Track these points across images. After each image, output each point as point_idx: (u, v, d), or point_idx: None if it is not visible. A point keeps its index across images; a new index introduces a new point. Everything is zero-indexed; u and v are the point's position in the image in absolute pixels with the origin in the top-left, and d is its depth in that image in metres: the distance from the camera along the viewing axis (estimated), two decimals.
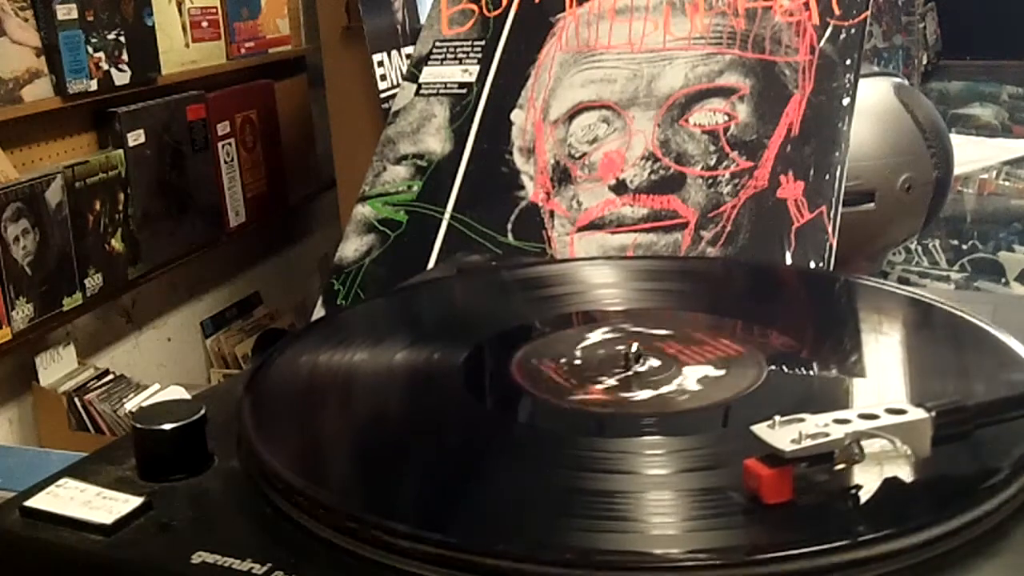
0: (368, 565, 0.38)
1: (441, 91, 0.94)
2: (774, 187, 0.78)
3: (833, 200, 0.75)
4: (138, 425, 0.45)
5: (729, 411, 0.48)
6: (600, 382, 0.51)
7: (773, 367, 0.51)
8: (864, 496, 0.39)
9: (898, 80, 1.03)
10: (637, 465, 0.43)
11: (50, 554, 0.41)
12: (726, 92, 0.82)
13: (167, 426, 0.45)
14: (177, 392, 1.28)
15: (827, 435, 0.38)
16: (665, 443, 0.45)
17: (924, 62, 2.60)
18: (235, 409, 0.48)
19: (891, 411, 0.40)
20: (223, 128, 1.87)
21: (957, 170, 1.06)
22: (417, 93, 0.95)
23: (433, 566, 0.37)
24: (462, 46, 0.95)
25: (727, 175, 0.79)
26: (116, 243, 1.61)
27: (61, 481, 0.44)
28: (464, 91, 0.93)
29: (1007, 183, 1.48)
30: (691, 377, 0.51)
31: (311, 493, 0.41)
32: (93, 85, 1.54)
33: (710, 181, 0.79)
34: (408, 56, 1.46)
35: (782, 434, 0.39)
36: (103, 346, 1.70)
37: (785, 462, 0.38)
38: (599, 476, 0.42)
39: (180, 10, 1.77)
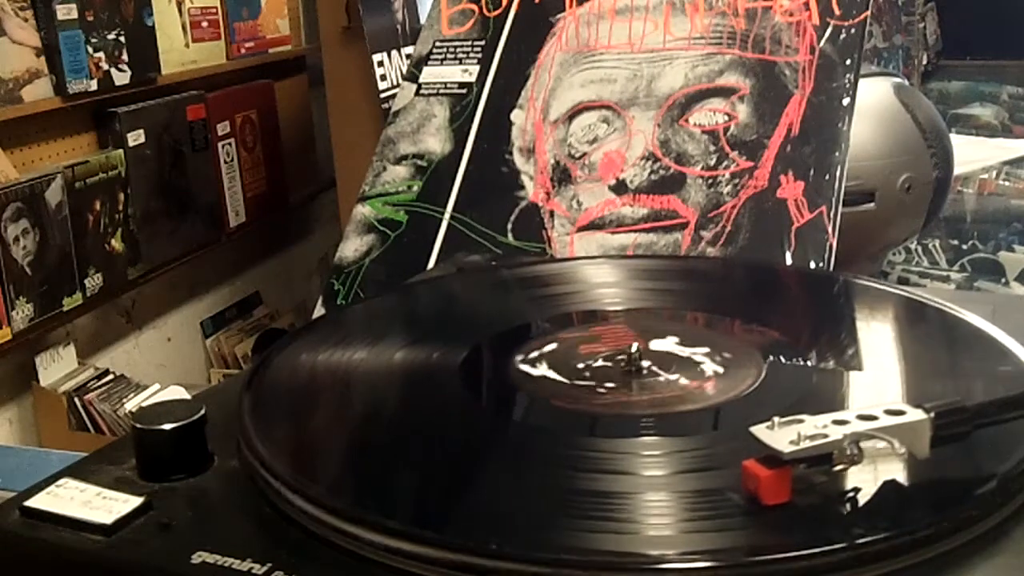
0: (368, 565, 0.38)
1: (441, 91, 0.94)
2: (774, 187, 0.78)
3: (833, 200, 0.75)
4: (138, 425, 0.45)
5: (728, 412, 0.48)
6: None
7: (772, 367, 0.51)
8: (863, 497, 0.39)
9: (898, 80, 1.03)
10: (635, 466, 0.43)
11: (50, 554, 0.41)
12: (726, 92, 0.82)
13: (167, 426, 0.45)
14: (177, 392, 1.27)
15: (826, 436, 0.38)
16: (663, 444, 0.45)
17: (924, 62, 2.59)
18: (235, 409, 0.48)
19: (890, 412, 0.40)
20: (223, 128, 1.87)
21: (957, 170, 1.06)
22: (417, 93, 0.95)
23: (432, 566, 0.37)
24: (462, 46, 0.95)
25: (727, 175, 0.79)
26: (116, 243, 1.61)
27: (61, 481, 0.44)
28: (464, 91, 0.93)
29: (1007, 183, 1.48)
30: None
31: (311, 493, 0.41)
32: (93, 85, 1.54)
33: (710, 181, 0.79)
34: (408, 56, 1.46)
35: (781, 435, 0.39)
36: (103, 346, 1.70)
37: (784, 463, 0.38)
38: (597, 477, 0.42)
39: (180, 10, 1.77)
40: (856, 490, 0.39)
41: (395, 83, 1.49)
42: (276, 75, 2.05)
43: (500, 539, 0.37)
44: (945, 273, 1.35)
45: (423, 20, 1.10)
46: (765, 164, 0.79)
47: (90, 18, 1.52)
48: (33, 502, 0.43)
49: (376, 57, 1.50)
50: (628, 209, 0.81)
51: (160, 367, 1.82)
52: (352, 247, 0.90)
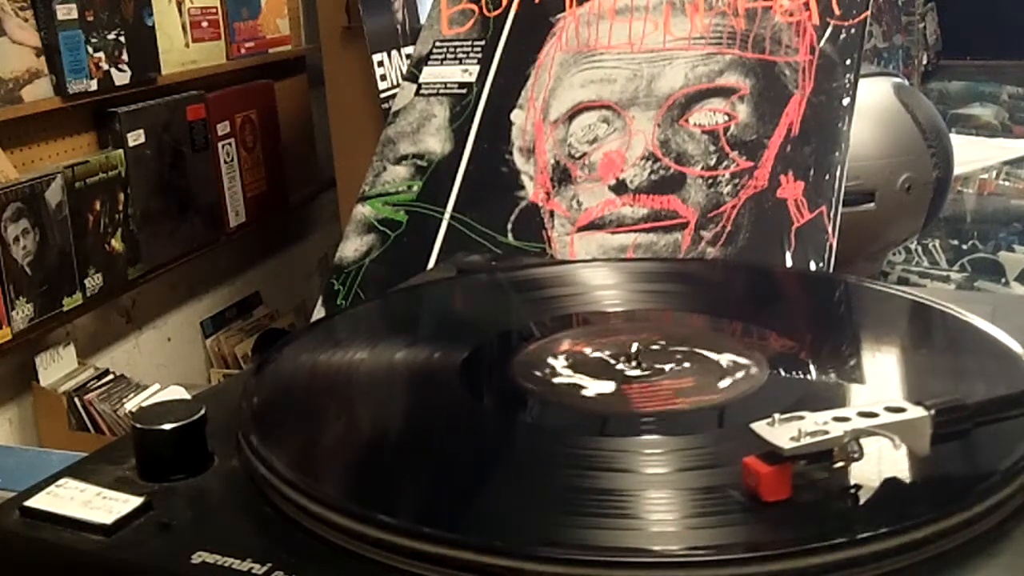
0: (368, 565, 0.38)
1: (441, 91, 0.94)
2: (774, 187, 0.78)
3: (833, 200, 0.75)
4: (138, 425, 0.45)
5: (729, 411, 0.48)
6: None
7: (774, 367, 0.51)
8: (863, 494, 0.39)
9: (898, 80, 1.03)
10: (637, 464, 0.43)
11: (50, 554, 0.41)
12: (726, 92, 0.82)
13: (167, 426, 0.45)
14: (177, 392, 1.27)
15: (826, 433, 0.38)
16: (665, 442, 0.45)
17: (924, 62, 2.60)
18: (235, 409, 0.48)
19: (890, 409, 0.40)
20: (223, 128, 1.87)
21: (957, 170, 1.06)
22: (417, 93, 0.95)
23: (433, 565, 0.37)
24: (462, 46, 0.95)
25: (727, 175, 0.79)
26: (116, 243, 1.61)
27: (61, 481, 0.44)
28: (464, 91, 0.93)
29: (1007, 183, 1.48)
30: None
31: (311, 493, 0.41)
32: (93, 85, 1.54)
33: (710, 181, 0.80)
34: (408, 56, 1.46)
35: (781, 432, 0.39)
36: (103, 346, 1.70)
37: (784, 460, 0.38)
38: (599, 475, 0.42)
39: (180, 10, 1.77)
40: (856, 487, 0.39)
41: (395, 83, 1.49)
42: (276, 75, 2.05)
43: (502, 537, 0.37)
44: (945, 273, 1.35)
45: (423, 20, 1.10)
46: (765, 164, 0.79)
47: (90, 18, 1.52)
48: (33, 502, 0.43)
49: (376, 57, 1.50)
50: (628, 209, 0.81)
51: (160, 367, 1.81)
52: (352, 247, 0.90)
